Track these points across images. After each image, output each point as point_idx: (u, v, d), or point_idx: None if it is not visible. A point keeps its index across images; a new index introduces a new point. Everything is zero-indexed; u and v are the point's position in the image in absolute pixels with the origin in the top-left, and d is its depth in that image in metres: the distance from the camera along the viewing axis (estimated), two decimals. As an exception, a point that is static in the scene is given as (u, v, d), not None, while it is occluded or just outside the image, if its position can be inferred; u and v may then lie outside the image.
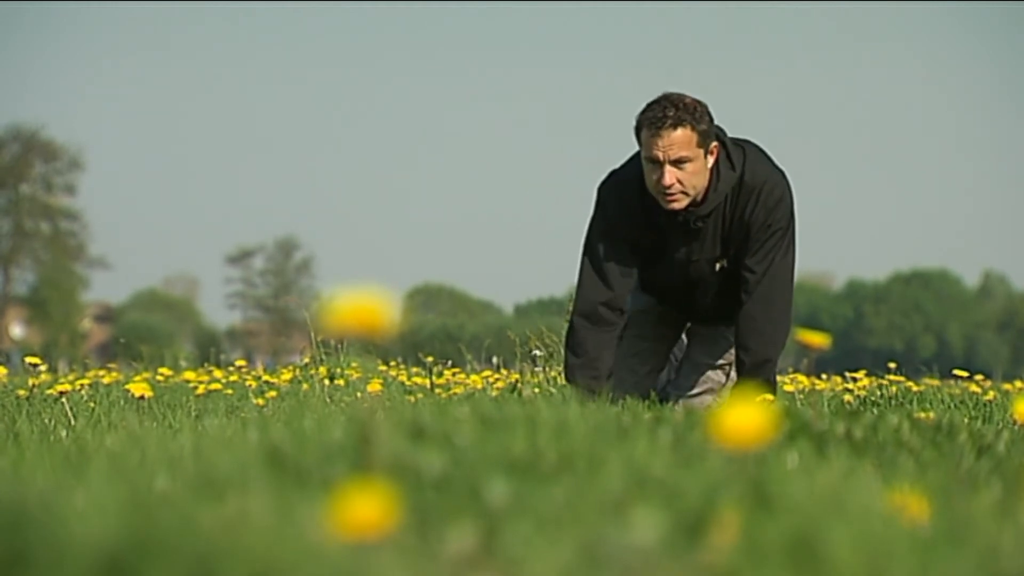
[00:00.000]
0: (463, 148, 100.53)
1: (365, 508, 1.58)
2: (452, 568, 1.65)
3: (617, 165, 4.78)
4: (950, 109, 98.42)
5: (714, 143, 4.51)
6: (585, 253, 4.74)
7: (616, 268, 4.67)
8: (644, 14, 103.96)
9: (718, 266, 4.70)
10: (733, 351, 4.98)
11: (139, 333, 49.55)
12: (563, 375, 4.85)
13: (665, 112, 4.43)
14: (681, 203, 4.52)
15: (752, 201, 4.59)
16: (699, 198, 4.55)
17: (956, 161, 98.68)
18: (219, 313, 75.54)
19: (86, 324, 58.22)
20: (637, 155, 4.67)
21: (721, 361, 5.05)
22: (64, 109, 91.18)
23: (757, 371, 4.68)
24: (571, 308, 4.81)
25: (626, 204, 4.64)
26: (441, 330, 58.58)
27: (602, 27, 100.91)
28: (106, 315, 67.48)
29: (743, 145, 4.63)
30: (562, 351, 5.01)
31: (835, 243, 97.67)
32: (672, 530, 1.74)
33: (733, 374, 5.03)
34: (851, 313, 77.39)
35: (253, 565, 1.56)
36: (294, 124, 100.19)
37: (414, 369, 9.57)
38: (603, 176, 4.77)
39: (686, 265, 4.70)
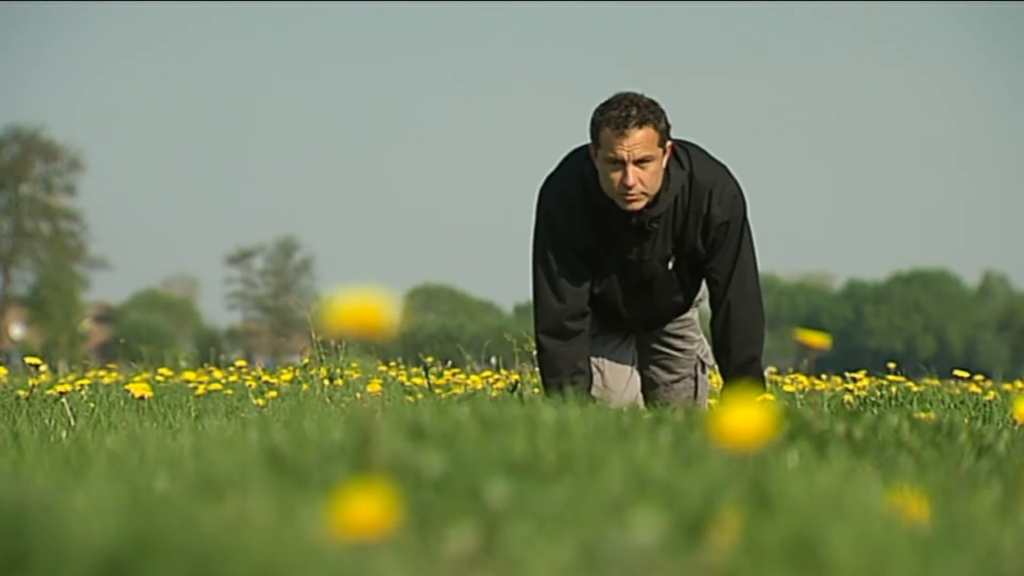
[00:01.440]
0: (463, 148, 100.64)
1: (365, 508, 1.58)
2: (452, 568, 1.65)
3: (552, 169, 4.72)
4: (950, 109, 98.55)
5: (669, 142, 4.51)
6: (537, 266, 4.67)
7: (572, 277, 4.63)
8: (645, 13, 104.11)
9: (670, 264, 4.69)
10: (690, 359, 5.01)
11: (139, 333, 49.59)
12: (542, 384, 4.81)
13: (629, 112, 4.41)
14: (641, 203, 4.50)
15: (706, 199, 4.58)
16: (652, 198, 4.55)
17: (956, 161, 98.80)
18: (219, 313, 75.64)
19: (86, 324, 58.25)
20: (571, 157, 4.65)
21: (683, 371, 5.04)
22: (64, 109, 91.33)
23: (744, 370, 4.66)
24: (534, 325, 4.74)
25: (571, 209, 4.60)
26: (441, 331, 58.59)
27: (601, 28, 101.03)
28: (106, 315, 67.51)
29: (685, 145, 4.63)
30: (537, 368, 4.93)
31: (835, 243, 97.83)
32: (672, 530, 1.75)
33: (700, 373, 5.03)
34: (851, 313, 77.42)
35: (253, 565, 1.56)
36: (294, 124, 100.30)
37: (414, 370, 9.57)
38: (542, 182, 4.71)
39: (638, 266, 4.67)
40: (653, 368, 5.03)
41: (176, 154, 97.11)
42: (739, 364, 4.65)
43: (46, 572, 1.56)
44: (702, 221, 4.60)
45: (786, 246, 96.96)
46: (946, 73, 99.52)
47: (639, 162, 4.43)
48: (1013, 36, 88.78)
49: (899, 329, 76.58)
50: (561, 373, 4.65)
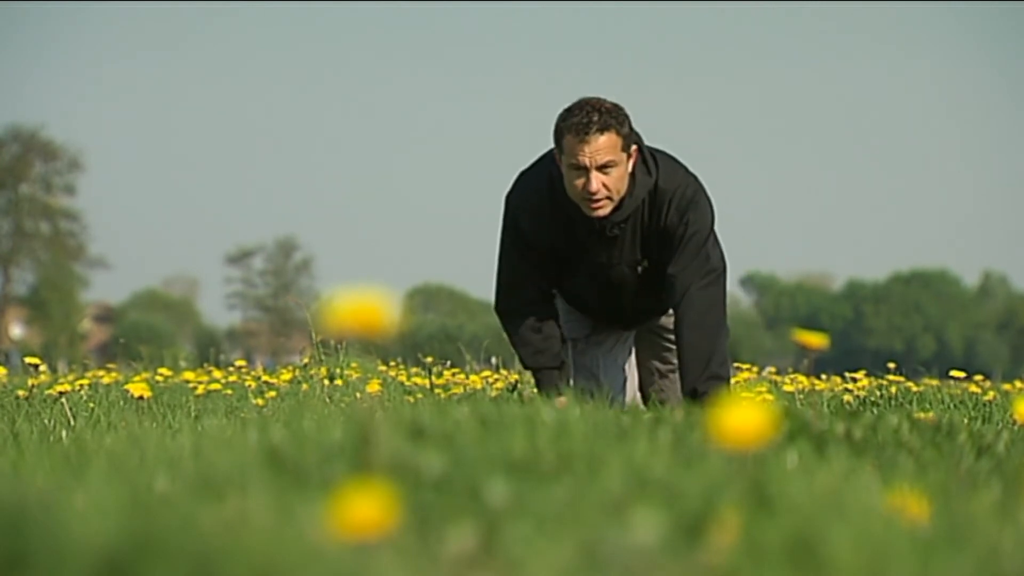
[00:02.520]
0: (463, 148, 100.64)
1: (365, 508, 1.58)
2: (452, 568, 1.65)
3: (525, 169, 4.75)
4: (950, 109, 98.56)
5: (634, 146, 4.51)
6: (501, 266, 4.74)
7: (534, 277, 4.70)
8: (645, 13, 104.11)
9: (640, 268, 4.70)
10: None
11: (139, 333, 49.61)
12: (520, 363, 4.85)
13: (590, 117, 4.41)
14: (606, 209, 4.51)
15: (666, 204, 4.59)
16: (616, 204, 4.55)
17: (956, 161, 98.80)
18: (219, 313, 75.67)
19: (86, 324, 58.29)
20: (544, 159, 4.66)
21: (677, 361, 5.04)
22: (64, 109, 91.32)
23: (705, 381, 4.56)
24: (495, 307, 4.80)
25: (539, 212, 4.63)
26: (441, 330, 58.61)
27: (601, 28, 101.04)
28: (106, 315, 67.52)
29: (656, 154, 4.64)
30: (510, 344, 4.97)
31: (835, 243, 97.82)
32: (672, 530, 1.75)
33: None
34: (851, 313, 77.44)
35: (253, 565, 1.56)
36: (294, 124, 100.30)
37: (414, 369, 9.57)
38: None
39: (607, 269, 4.69)
40: (650, 360, 5.07)
41: (176, 154, 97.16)
42: (697, 374, 4.54)
43: (46, 572, 1.56)
44: (663, 226, 4.61)
45: (786, 246, 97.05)
46: (946, 73, 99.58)
47: (602, 167, 4.43)
48: (1013, 36, 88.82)
49: (899, 329, 76.61)
50: (531, 343, 4.70)
